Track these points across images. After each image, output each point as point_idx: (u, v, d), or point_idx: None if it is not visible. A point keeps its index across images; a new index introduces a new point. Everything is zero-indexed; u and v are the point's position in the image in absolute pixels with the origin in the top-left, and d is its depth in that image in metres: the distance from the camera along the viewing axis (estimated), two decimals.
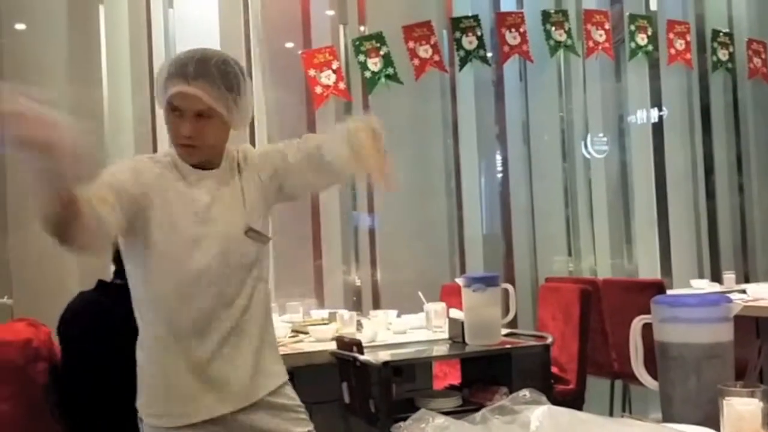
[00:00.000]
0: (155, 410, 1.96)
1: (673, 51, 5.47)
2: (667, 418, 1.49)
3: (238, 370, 1.95)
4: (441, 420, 1.19)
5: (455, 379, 3.46)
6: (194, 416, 1.92)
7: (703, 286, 4.71)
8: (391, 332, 3.44)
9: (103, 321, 2.56)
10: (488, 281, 3.01)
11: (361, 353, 2.84)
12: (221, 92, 1.88)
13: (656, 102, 5.54)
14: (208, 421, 1.93)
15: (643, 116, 5.55)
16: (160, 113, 2.00)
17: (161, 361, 1.95)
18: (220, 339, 1.93)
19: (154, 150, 4.06)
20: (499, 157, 5.17)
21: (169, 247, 1.89)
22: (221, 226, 1.94)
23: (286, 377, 2.07)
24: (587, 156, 5.35)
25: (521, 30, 5.00)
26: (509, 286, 3.44)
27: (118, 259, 2.24)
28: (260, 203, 2.03)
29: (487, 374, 3.10)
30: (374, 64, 4.69)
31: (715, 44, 5.64)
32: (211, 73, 1.87)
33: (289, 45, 4.77)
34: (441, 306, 3.51)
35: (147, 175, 1.90)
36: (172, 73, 1.88)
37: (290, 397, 2.05)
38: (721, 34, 5.68)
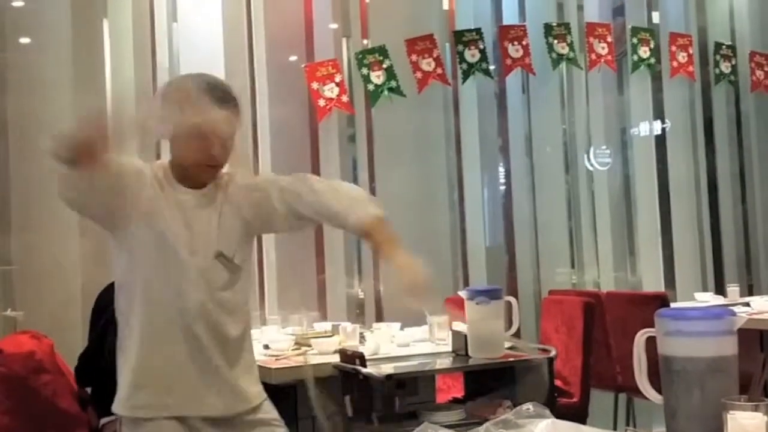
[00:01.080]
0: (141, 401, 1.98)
1: (675, 64, 5.48)
2: None
3: (209, 387, 1.99)
4: None
5: (458, 393, 3.45)
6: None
7: (707, 299, 4.69)
8: (394, 345, 3.43)
9: None
10: (491, 294, 3.00)
11: (364, 366, 2.83)
12: (240, 116, 2.04)
13: (659, 114, 5.54)
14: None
15: (645, 129, 5.54)
16: None
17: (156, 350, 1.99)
18: (186, 350, 1.98)
19: None
20: (501, 170, 5.17)
21: (158, 254, 1.97)
22: (197, 245, 1.99)
23: (264, 397, 2.12)
24: (590, 168, 5.35)
25: (524, 43, 5.01)
26: (512, 299, 3.43)
27: None
28: (237, 232, 2.07)
29: (490, 387, 3.08)
30: (377, 77, 4.70)
31: (718, 57, 5.64)
32: (234, 99, 2.01)
33: (293, 58, 4.79)
34: (444, 319, 3.50)
35: (147, 175, 2.01)
36: (202, 98, 1.95)
37: (267, 412, 2.09)
38: (723, 46, 5.69)
